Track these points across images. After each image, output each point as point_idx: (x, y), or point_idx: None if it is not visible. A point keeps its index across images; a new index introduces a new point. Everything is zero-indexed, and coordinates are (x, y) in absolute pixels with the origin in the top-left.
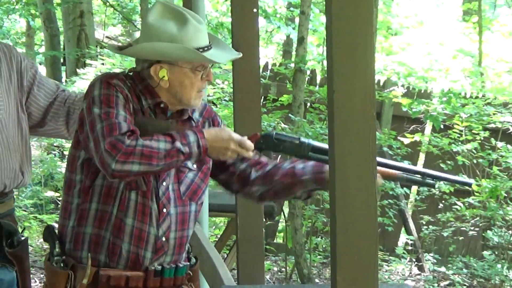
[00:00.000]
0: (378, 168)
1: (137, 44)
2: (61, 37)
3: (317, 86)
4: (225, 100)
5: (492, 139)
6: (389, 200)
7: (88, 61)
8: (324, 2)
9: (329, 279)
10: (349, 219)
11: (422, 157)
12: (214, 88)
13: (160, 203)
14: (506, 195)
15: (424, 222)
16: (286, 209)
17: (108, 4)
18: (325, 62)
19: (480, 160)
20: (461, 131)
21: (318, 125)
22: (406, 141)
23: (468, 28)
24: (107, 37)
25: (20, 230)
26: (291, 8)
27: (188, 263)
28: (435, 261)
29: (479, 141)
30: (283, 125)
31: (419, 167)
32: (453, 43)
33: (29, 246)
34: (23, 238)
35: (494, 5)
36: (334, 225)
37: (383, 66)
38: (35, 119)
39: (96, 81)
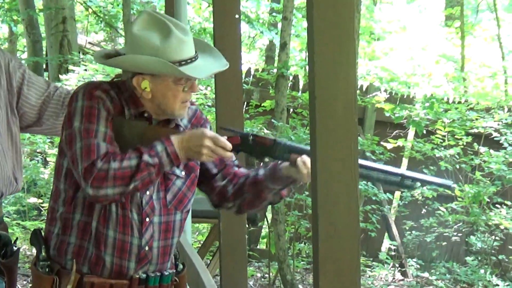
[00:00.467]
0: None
1: (124, 51)
2: (44, 43)
3: (300, 92)
4: (207, 105)
5: (475, 144)
6: (372, 206)
7: (70, 67)
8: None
9: (312, 285)
10: (331, 225)
11: (405, 162)
12: (197, 94)
13: (144, 212)
14: (488, 200)
15: (407, 228)
16: (269, 215)
17: (91, 10)
18: (307, 68)
19: (463, 165)
20: (444, 136)
21: (301, 130)
22: (389, 146)
23: (451, 33)
24: (89, 43)
25: (12, 240)
26: (274, 14)
27: (174, 271)
28: (418, 266)
29: (462, 146)
30: (266, 131)
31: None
32: (435, 48)
33: None
34: (15, 249)
35: (476, 10)
36: (316, 231)
37: (366, 71)
38: (31, 119)
39: (80, 91)
